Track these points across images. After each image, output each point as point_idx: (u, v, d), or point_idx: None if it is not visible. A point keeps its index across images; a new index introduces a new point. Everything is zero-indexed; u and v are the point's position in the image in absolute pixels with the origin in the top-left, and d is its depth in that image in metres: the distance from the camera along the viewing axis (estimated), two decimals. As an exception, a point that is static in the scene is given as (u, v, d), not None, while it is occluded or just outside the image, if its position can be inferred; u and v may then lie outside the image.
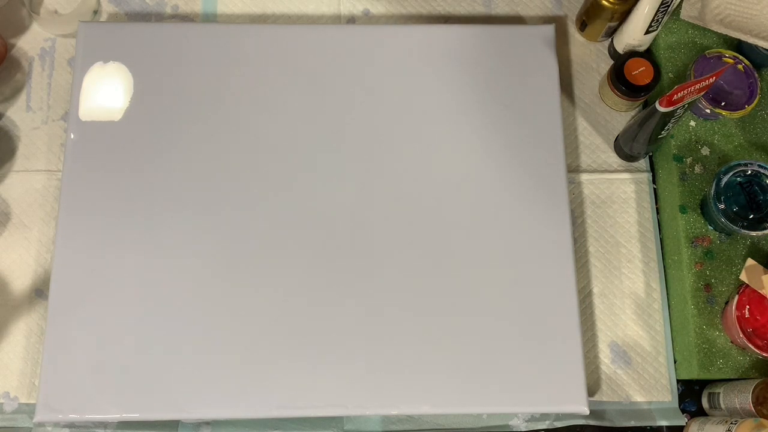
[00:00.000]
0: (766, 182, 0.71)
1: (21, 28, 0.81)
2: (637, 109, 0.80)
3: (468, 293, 0.69)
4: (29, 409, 0.70)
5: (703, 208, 0.73)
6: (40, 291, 0.73)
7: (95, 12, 0.82)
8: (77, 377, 0.66)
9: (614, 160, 0.79)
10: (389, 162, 0.72)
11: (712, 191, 0.70)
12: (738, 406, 0.66)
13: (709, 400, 0.71)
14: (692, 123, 0.77)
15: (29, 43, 0.81)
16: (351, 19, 0.83)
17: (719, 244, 0.73)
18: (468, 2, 0.84)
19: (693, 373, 0.70)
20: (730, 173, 0.71)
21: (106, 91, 0.73)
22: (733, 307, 0.68)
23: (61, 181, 0.71)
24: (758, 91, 0.75)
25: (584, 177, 0.78)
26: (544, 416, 0.71)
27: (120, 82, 0.74)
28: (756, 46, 0.75)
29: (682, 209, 0.74)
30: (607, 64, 0.82)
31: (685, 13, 0.79)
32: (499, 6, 0.84)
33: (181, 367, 0.66)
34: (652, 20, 0.74)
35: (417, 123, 0.74)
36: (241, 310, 0.68)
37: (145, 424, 0.69)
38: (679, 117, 0.68)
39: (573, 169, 0.79)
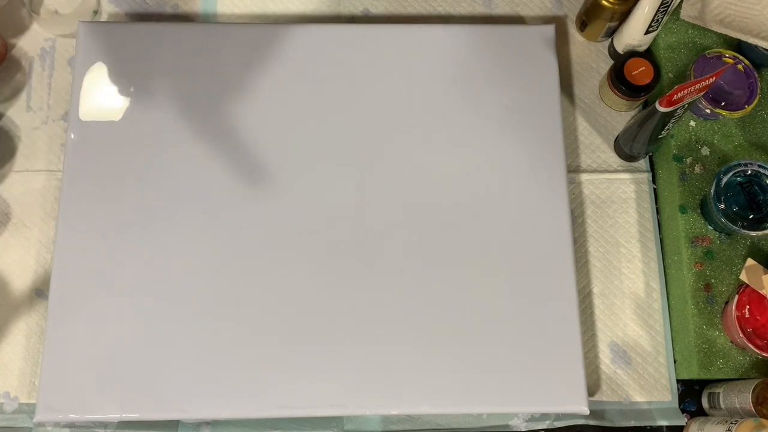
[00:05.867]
0: (766, 182, 0.71)
1: (21, 28, 0.81)
2: (637, 109, 0.80)
3: (468, 293, 0.69)
4: (29, 409, 0.70)
5: (703, 208, 0.73)
6: (40, 291, 0.73)
7: (95, 12, 0.82)
8: (77, 377, 0.66)
9: (614, 160, 0.79)
10: (388, 162, 0.72)
11: (712, 191, 0.70)
12: (738, 406, 0.66)
13: (709, 400, 0.71)
14: (692, 123, 0.77)
15: (29, 43, 0.81)
16: (351, 19, 0.83)
17: (719, 244, 0.73)
18: (468, 2, 0.84)
19: (693, 373, 0.70)
20: (730, 173, 0.71)
21: (106, 91, 0.73)
22: (733, 307, 0.68)
23: (61, 181, 0.71)
24: (758, 91, 0.75)
25: (584, 177, 0.78)
26: (544, 416, 0.71)
27: (120, 82, 0.74)
28: (756, 46, 0.75)
29: (682, 209, 0.74)
30: (607, 64, 0.82)
31: (685, 13, 0.79)
32: (499, 6, 0.84)
33: (181, 367, 0.66)
34: (652, 20, 0.74)
35: (417, 123, 0.74)
36: (241, 310, 0.68)
37: (145, 424, 0.69)
38: (679, 117, 0.68)
39: (573, 169, 0.79)
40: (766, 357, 0.68)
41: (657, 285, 0.75)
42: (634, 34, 0.76)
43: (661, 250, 0.77)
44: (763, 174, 0.71)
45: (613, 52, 0.82)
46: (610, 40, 0.82)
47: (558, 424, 0.71)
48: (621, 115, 0.81)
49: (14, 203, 0.76)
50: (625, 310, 0.74)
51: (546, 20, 0.84)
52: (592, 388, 0.72)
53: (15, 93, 0.79)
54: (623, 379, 0.72)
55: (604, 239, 0.77)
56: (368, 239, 0.70)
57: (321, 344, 0.67)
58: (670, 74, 0.79)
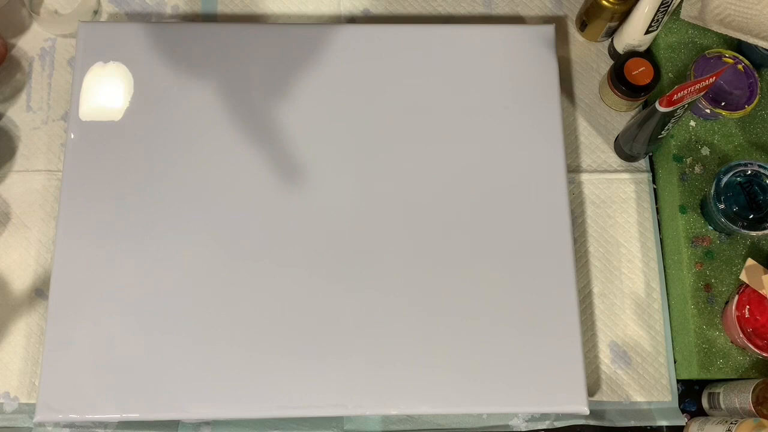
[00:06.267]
0: (766, 182, 0.71)
1: (21, 28, 0.81)
2: (637, 109, 0.80)
3: (468, 293, 0.69)
4: (29, 409, 0.70)
5: (703, 208, 0.73)
6: (40, 291, 0.73)
7: (95, 12, 0.82)
8: (77, 377, 0.66)
9: (614, 160, 0.79)
10: (388, 161, 0.72)
11: (712, 191, 0.70)
12: (738, 406, 0.66)
13: (709, 400, 0.71)
14: (692, 123, 0.77)
15: (29, 43, 0.81)
16: (351, 19, 0.83)
17: (719, 244, 0.73)
18: (468, 2, 0.84)
19: (693, 373, 0.70)
20: (730, 173, 0.71)
21: (106, 91, 0.73)
22: (733, 307, 0.68)
23: (61, 181, 0.71)
24: (758, 91, 0.75)
25: (584, 177, 0.78)
26: (544, 416, 0.71)
27: (120, 82, 0.74)
28: (756, 46, 0.75)
29: (682, 209, 0.74)
30: (607, 64, 0.82)
31: (685, 13, 0.79)
32: (499, 6, 0.84)
33: (181, 367, 0.66)
34: (652, 20, 0.74)
35: (417, 123, 0.74)
36: (241, 310, 0.68)
37: (145, 424, 0.69)
38: (679, 117, 0.68)
39: (573, 169, 0.79)
40: (766, 357, 0.68)
41: (657, 285, 0.75)
42: (634, 34, 0.76)
43: (661, 250, 0.77)
44: (763, 174, 0.71)
45: (613, 52, 0.82)
46: (610, 40, 0.82)
47: (558, 424, 0.71)
48: (621, 115, 0.81)
49: (14, 203, 0.76)
50: (625, 310, 0.74)
51: (546, 20, 0.84)
52: (592, 388, 0.72)
53: (15, 93, 0.79)
54: (623, 379, 0.72)
55: (604, 239, 0.77)
56: (368, 240, 0.70)
57: (321, 344, 0.67)
58: (670, 74, 0.79)
